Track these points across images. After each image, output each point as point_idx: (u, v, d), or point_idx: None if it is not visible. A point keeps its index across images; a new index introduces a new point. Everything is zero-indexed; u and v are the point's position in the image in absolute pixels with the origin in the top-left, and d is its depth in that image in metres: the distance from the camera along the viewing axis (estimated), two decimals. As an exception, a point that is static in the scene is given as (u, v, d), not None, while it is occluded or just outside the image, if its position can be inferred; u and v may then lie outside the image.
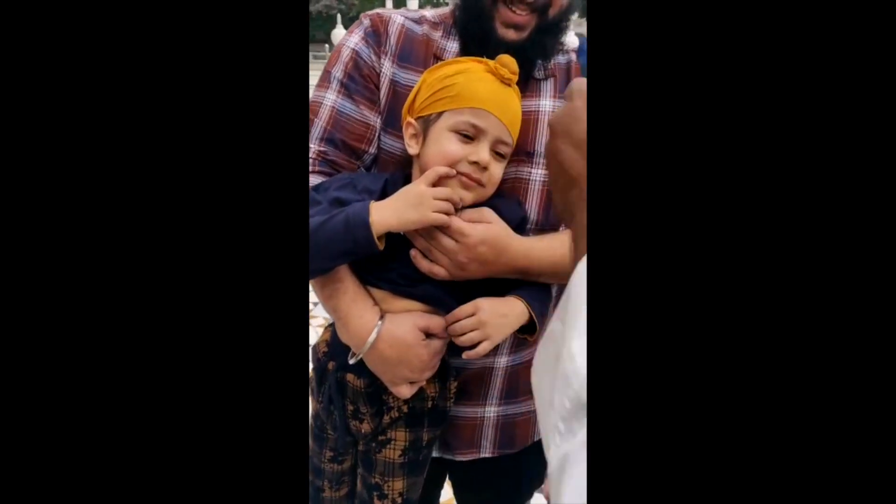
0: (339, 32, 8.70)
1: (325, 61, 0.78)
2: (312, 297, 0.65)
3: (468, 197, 0.63)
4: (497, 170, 0.64)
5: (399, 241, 0.63)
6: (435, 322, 0.65)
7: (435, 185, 0.61)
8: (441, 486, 0.99)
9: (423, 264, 0.63)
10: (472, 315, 0.64)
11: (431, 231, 0.61)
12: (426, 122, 0.64)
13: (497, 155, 0.64)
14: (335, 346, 0.70)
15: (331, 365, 0.71)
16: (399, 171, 0.70)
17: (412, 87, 0.68)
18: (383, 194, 0.64)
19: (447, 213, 0.60)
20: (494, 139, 0.63)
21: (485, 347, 0.64)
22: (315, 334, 2.39)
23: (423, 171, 0.63)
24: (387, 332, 0.63)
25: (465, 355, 0.65)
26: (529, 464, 0.85)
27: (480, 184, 0.63)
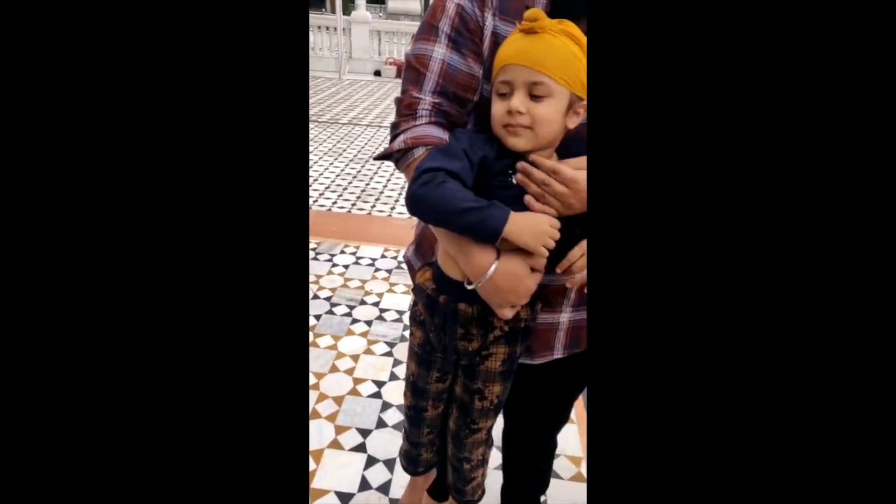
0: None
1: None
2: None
3: (521, 142, 0.72)
4: (541, 109, 0.70)
5: (516, 192, 0.73)
6: (539, 259, 0.75)
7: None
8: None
9: (537, 206, 0.73)
10: (583, 255, 0.74)
11: (546, 180, 0.72)
12: None
13: (536, 97, 0.70)
14: (443, 283, 0.82)
15: (442, 298, 0.82)
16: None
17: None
18: (498, 151, 0.75)
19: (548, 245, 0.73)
20: (526, 84, 0.70)
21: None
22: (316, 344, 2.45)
23: None
24: (503, 265, 0.73)
25: (587, 289, 0.76)
26: (585, 362, 1.00)
27: (525, 126, 0.71)
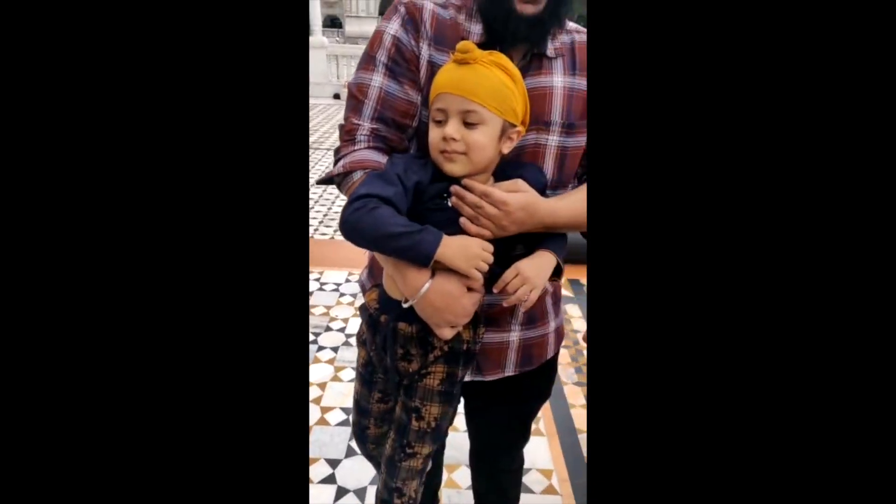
0: None
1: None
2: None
3: (457, 168, 0.75)
4: (474, 136, 0.73)
5: (451, 215, 0.76)
6: (474, 280, 0.77)
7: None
8: (453, 418, 1.11)
9: (472, 229, 0.75)
10: (517, 276, 0.76)
11: (479, 203, 0.74)
12: None
13: (469, 124, 0.73)
14: (385, 303, 0.83)
15: (383, 318, 0.83)
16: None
17: None
18: (434, 175, 0.77)
19: (482, 267, 0.75)
20: (459, 112, 0.73)
21: (534, 295, 0.77)
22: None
23: None
24: (437, 284, 0.75)
25: (522, 308, 0.78)
26: (541, 379, 1.03)
27: (460, 152, 0.74)
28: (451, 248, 0.72)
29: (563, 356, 2.32)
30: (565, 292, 2.88)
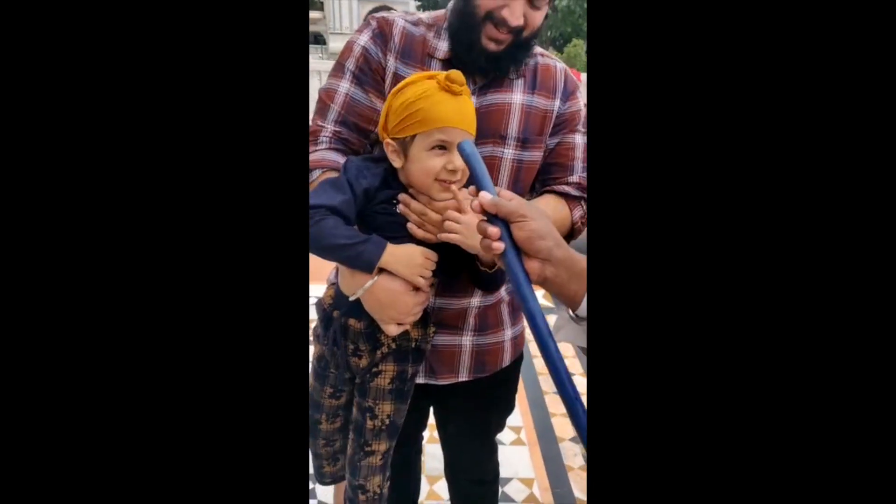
0: None
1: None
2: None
3: (449, 195, 0.78)
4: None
5: (400, 219, 0.81)
6: (418, 281, 0.81)
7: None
8: (425, 424, 1.14)
9: (418, 233, 0.80)
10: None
11: (423, 210, 0.79)
12: (403, 143, 0.78)
13: None
14: (339, 299, 0.86)
15: (335, 313, 0.86)
16: (391, 167, 0.82)
17: None
18: (384, 181, 0.81)
19: (425, 273, 0.80)
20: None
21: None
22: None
23: (408, 179, 0.80)
24: (382, 281, 0.79)
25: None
26: (498, 388, 1.05)
27: (458, 181, 0.78)
28: (395, 256, 0.77)
29: (544, 365, 2.34)
30: (546, 302, 2.91)
